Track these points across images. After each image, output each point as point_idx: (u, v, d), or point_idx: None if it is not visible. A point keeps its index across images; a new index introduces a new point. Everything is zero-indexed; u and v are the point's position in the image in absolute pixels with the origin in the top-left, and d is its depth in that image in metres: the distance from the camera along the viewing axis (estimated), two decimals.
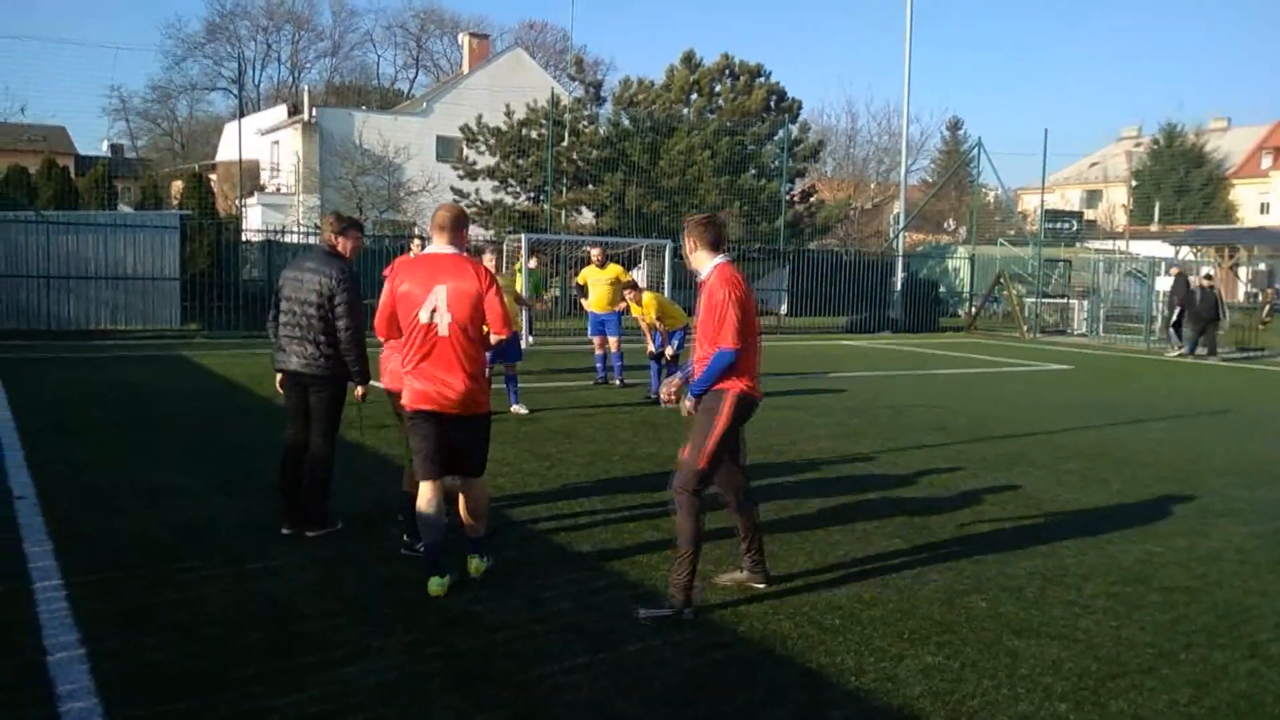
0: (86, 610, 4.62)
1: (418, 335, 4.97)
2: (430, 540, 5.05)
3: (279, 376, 6.05)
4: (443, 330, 4.93)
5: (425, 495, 5.04)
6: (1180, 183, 59.55)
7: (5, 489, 6.87)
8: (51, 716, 3.61)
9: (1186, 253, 38.58)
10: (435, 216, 5.19)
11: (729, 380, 4.88)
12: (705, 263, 5.03)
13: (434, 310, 4.92)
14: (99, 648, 4.21)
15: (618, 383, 13.40)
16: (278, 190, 41.82)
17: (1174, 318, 22.46)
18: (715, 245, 5.02)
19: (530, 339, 19.63)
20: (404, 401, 5.09)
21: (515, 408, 10.74)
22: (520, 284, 13.68)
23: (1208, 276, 22.36)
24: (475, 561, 5.29)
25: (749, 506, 5.26)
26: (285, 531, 5.95)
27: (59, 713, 3.64)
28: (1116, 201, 60.64)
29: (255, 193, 40.40)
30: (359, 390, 5.93)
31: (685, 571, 4.79)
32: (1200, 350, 21.42)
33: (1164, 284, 29.39)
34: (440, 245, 5.09)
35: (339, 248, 5.98)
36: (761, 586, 5.16)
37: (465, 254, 5.09)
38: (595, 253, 14.15)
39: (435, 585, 4.96)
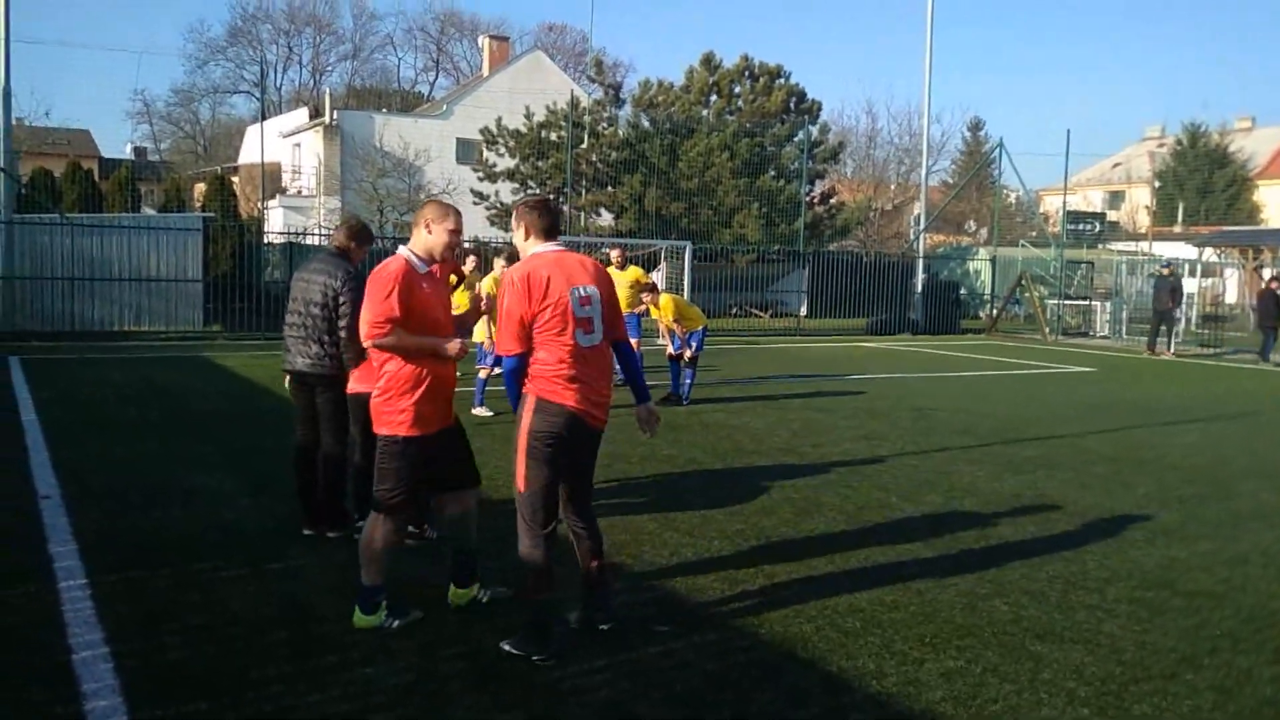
0: (110, 610, 4.65)
1: None
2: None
3: (287, 377, 6.10)
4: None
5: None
6: (1204, 184, 59.01)
7: (31, 488, 6.94)
8: (77, 715, 3.64)
9: (1211, 254, 38.25)
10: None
11: (528, 384, 4.27)
12: (526, 252, 4.46)
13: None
14: (123, 647, 4.24)
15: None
16: (299, 193, 42.07)
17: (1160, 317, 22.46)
18: (548, 233, 4.41)
19: None
20: None
21: (476, 410, 10.67)
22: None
23: (1276, 278, 22.25)
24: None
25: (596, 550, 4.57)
26: (306, 532, 5.98)
27: (84, 711, 3.67)
28: (1139, 202, 60.12)
29: (277, 195, 40.62)
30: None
31: (528, 613, 4.36)
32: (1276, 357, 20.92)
33: (1189, 286, 29.27)
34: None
35: (349, 251, 6.02)
36: (604, 627, 4.57)
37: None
38: (615, 254, 14.17)
39: (455, 595, 4.89)
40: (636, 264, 16.01)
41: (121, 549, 5.64)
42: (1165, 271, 22.81)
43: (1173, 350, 22.31)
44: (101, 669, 4.02)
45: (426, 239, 4.62)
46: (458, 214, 4.75)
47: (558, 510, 4.35)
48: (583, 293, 4.24)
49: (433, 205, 4.74)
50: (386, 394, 4.50)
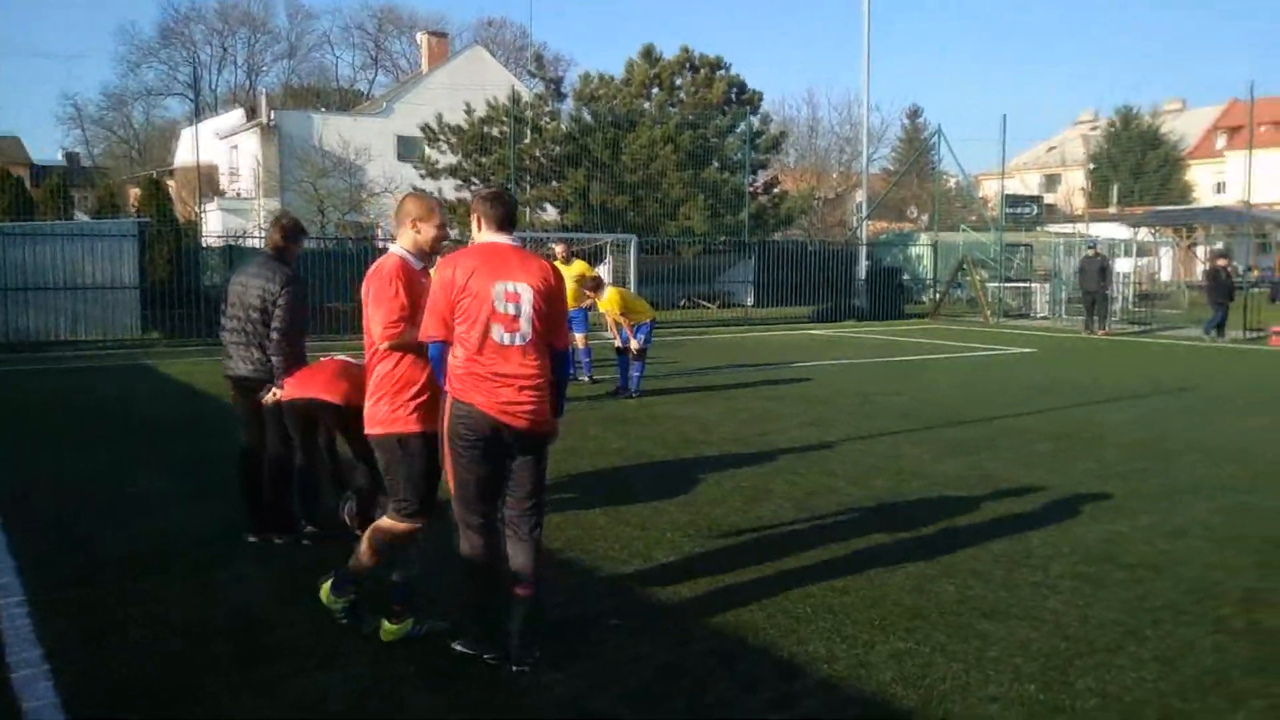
0: (50, 626, 4.55)
1: None
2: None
3: (229, 382, 6.02)
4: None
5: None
6: (1137, 165, 60.26)
7: None
8: None
9: (1145, 233, 39.05)
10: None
11: (446, 383, 4.14)
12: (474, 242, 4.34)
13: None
14: (63, 663, 4.15)
15: (585, 379, 13.40)
16: (238, 194, 41.46)
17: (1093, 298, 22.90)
18: (499, 223, 4.22)
19: None
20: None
21: None
22: None
23: (1222, 255, 22.77)
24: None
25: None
26: (251, 539, 5.90)
27: None
28: (1075, 185, 61.26)
29: (214, 197, 39.99)
30: (275, 393, 5.77)
31: (473, 612, 4.25)
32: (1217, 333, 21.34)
33: (1124, 265, 29.86)
34: None
35: (285, 251, 5.95)
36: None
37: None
38: (560, 249, 14.13)
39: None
40: (582, 258, 15.96)
41: (61, 564, 5.51)
42: (1092, 252, 23.31)
43: (1107, 329, 22.74)
44: (41, 686, 3.93)
45: (415, 237, 4.47)
46: (442, 208, 4.63)
47: (491, 508, 4.21)
48: (510, 289, 4.04)
49: (416, 202, 4.57)
50: (379, 396, 4.36)
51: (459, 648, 4.24)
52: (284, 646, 4.36)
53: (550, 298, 4.17)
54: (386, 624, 4.43)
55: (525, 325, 4.06)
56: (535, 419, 4.11)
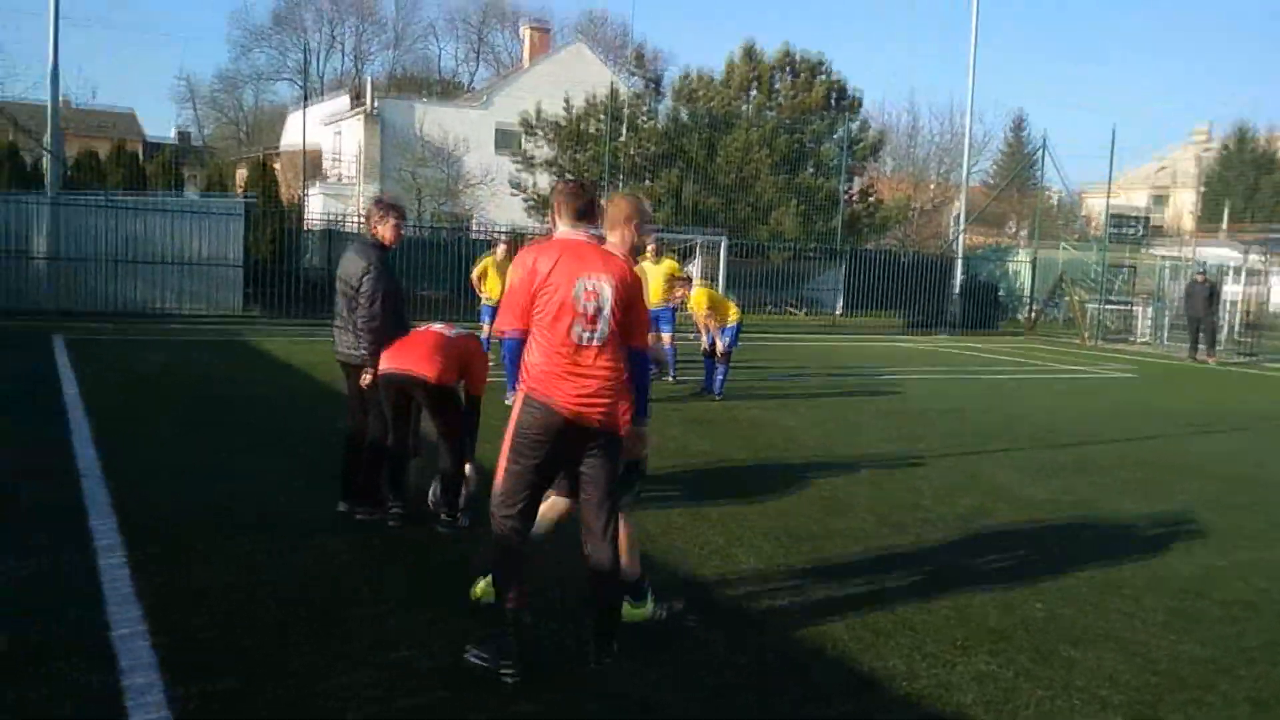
0: (148, 586, 4.72)
1: None
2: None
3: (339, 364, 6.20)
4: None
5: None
6: (1250, 187, 58.06)
7: (74, 466, 7.04)
8: (114, 689, 3.70)
9: (1256, 258, 37.61)
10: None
11: (522, 378, 4.06)
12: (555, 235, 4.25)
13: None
14: (159, 623, 4.30)
15: (669, 378, 13.40)
16: (339, 179, 42.38)
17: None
18: (578, 216, 4.15)
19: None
20: None
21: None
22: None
23: None
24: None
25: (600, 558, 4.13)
26: (341, 508, 6.06)
27: (121, 686, 3.72)
28: (1184, 205, 59.34)
29: (317, 181, 40.97)
30: (366, 375, 5.90)
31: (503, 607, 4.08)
32: None
33: (1231, 291, 28.76)
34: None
35: (377, 234, 6.06)
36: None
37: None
38: (650, 247, 14.15)
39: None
40: (671, 257, 15.95)
41: (160, 526, 5.71)
42: (1201, 277, 22.46)
43: (1214, 356, 21.92)
44: (138, 645, 4.07)
45: (630, 238, 4.35)
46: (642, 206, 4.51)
47: (532, 504, 4.10)
48: (589, 285, 3.96)
49: (632, 202, 4.45)
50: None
51: (473, 659, 4.03)
52: (370, 622, 4.45)
53: (629, 297, 4.08)
54: (629, 607, 4.48)
55: (603, 324, 3.99)
56: (609, 417, 4.02)
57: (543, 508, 4.40)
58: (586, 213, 4.15)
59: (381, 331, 5.87)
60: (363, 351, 5.89)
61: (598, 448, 4.05)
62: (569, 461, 4.09)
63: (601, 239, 4.23)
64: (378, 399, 5.99)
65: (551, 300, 3.95)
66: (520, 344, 4.08)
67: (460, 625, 4.46)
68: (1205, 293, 21.85)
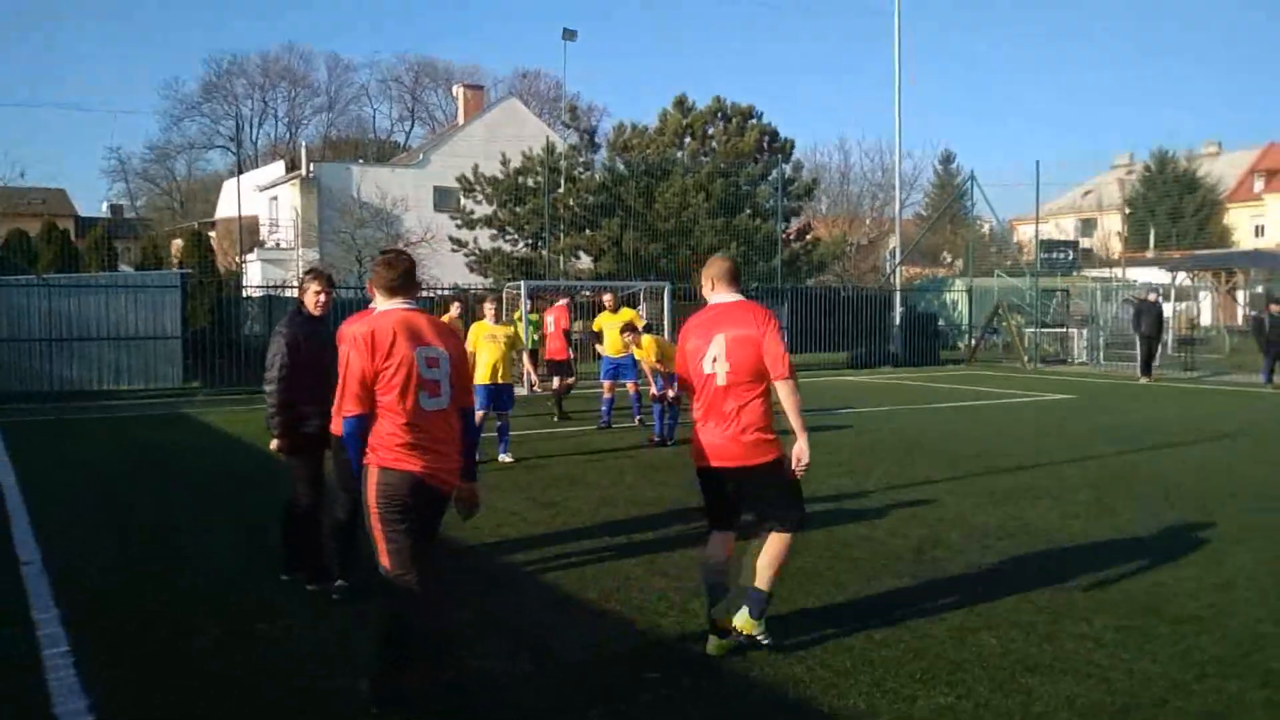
0: (95, 676, 4.60)
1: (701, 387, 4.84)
2: (713, 592, 4.83)
3: None
4: (721, 380, 4.77)
5: (710, 551, 4.94)
6: (1174, 209, 59.81)
7: (11, 555, 6.86)
8: None
9: (1183, 278, 38.68)
10: (712, 268, 5.04)
11: (369, 453, 4.13)
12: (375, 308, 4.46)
13: (714, 359, 4.78)
14: (107, 714, 4.19)
15: (637, 420, 13.61)
16: (277, 245, 42.09)
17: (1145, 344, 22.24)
18: (394, 289, 4.28)
19: (537, 388, 19.66)
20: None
21: (502, 456, 10.69)
22: (520, 331, 13.89)
23: (1276, 300, 22.07)
24: (746, 616, 4.83)
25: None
26: (284, 577, 6.00)
27: None
28: (1111, 229, 60.91)
29: (255, 249, 40.63)
30: (272, 443, 5.93)
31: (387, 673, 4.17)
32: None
33: (1164, 309, 29.48)
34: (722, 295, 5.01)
35: (304, 303, 6.07)
36: None
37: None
38: (608, 299, 14.38)
39: (712, 645, 4.82)
40: (627, 305, 16.15)
41: (105, 614, 5.58)
42: (1153, 297, 22.83)
43: (1152, 375, 22.33)
44: None
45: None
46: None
47: (425, 568, 4.15)
48: (430, 354, 4.08)
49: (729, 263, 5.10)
50: (769, 424, 4.85)
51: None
52: (328, 699, 4.38)
53: (460, 360, 4.26)
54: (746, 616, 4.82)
55: (445, 390, 4.13)
56: (455, 480, 4.23)
57: (710, 554, 4.87)
58: (403, 285, 4.26)
59: (279, 399, 5.81)
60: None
61: (442, 506, 4.26)
62: (426, 523, 4.17)
63: (415, 306, 4.30)
64: (301, 465, 5.95)
65: (397, 375, 4.01)
66: (362, 427, 4.10)
67: (419, 697, 4.40)
68: (1156, 312, 22.13)
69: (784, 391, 4.77)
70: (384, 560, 4.06)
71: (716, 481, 4.86)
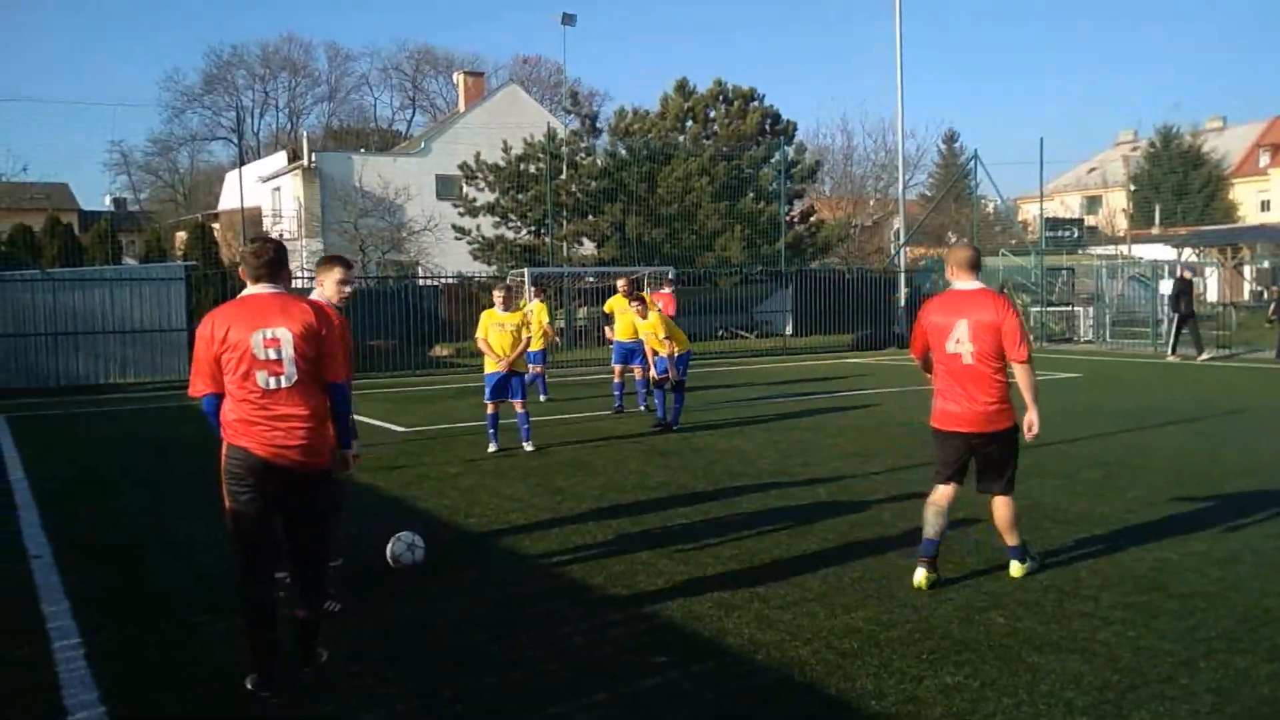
0: (105, 668, 4.63)
1: (946, 364, 5.63)
2: (929, 539, 5.63)
3: None
4: (966, 359, 5.54)
5: (937, 497, 5.74)
6: (1179, 185, 59.54)
7: (21, 548, 6.89)
8: None
9: (1189, 254, 38.55)
10: (955, 256, 5.82)
11: (221, 430, 4.37)
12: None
13: (958, 341, 5.54)
14: (119, 706, 4.22)
15: (643, 408, 13.58)
16: (280, 236, 42.05)
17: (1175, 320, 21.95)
18: (257, 277, 4.41)
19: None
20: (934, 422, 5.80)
21: (525, 445, 10.68)
22: (543, 317, 13.89)
23: None
24: (1017, 565, 5.77)
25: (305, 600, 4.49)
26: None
27: None
28: (1116, 206, 60.67)
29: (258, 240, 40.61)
30: None
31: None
32: None
33: (1167, 287, 29.38)
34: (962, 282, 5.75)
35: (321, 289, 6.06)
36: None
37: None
38: (622, 284, 14.32)
39: (921, 578, 5.57)
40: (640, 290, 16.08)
41: (114, 606, 5.61)
42: (1188, 275, 22.59)
43: (1177, 353, 21.73)
44: None
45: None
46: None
47: (269, 555, 4.38)
48: (269, 335, 4.23)
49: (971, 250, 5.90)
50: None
51: (249, 685, 4.31)
52: (330, 686, 4.40)
53: (314, 338, 4.31)
54: (1016, 564, 5.74)
55: (289, 369, 4.25)
56: (307, 456, 4.30)
57: (937, 500, 5.70)
58: (268, 272, 4.40)
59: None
60: None
61: (301, 487, 4.33)
62: (276, 501, 4.31)
63: (286, 292, 4.41)
64: None
65: (233, 357, 4.22)
66: (213, 400, 4.34)
67: (422, 683, 4.42)
68: (1190, 289, 21.74)
69: (1021, 371, 5.63)
70: (227, 524, 4.35)
71: (956, 443, 5.70)
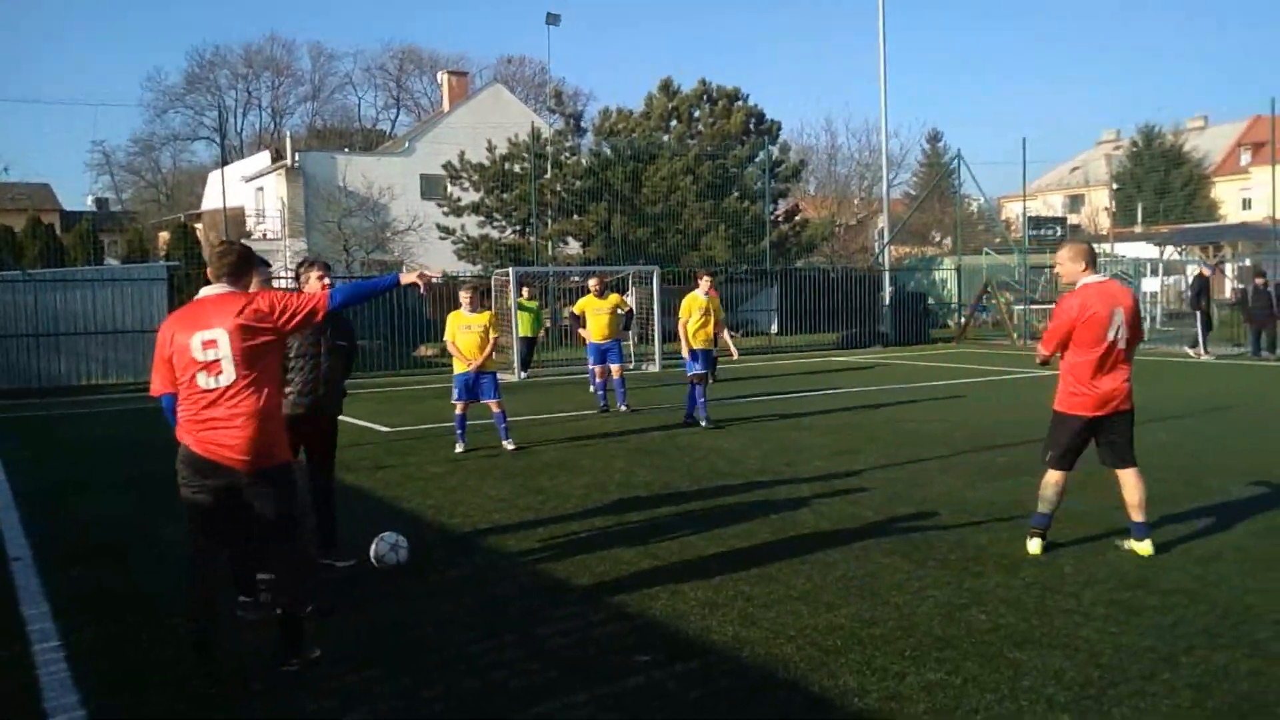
0: (86, 670, 4.60)
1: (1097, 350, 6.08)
2: (1045, 514, 6.25)
3: None
4: (1120, 344, 6.07)
5: (1054, 480, 6.25)
6: (1161, 183, 59.86)
7: (1, 551, 6.84)
8: None
9: (1171, 252, 38.77)
10: (1080, 252, 6.33)
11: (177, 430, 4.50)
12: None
13: (1117, 328, 6.04)
14: (100, 708, 4.19)
15: (623, 408, 13.48)
16: (264, 236, 41.87)
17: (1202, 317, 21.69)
18: (218, 276, 4.52)
19: (524, 373, 19.66)
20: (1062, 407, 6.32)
21: (505, 444, 10.64)
22: (525, 318, 13.91)
23: (1260, 274, 22.09)
24: (1148, 544, 6.11)
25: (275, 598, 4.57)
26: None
27: None
28: (1099, 205, 60.96)
29: (241, 239, 40.43)
30: None
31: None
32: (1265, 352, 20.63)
33: (1151, 285, 29.58)
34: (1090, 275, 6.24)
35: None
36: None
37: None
38: (593, 283, 14.27)
39: (1037, 547, 6.19)
40: (612, 290, 16.02)
41: (96, 608, 5.57)
42: (1205, 272, 22.56)
43: (1209, 351, 21.47)
44: None
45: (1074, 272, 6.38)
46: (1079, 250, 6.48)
47: (213, 550, 4.53)
48: (206, 336, 4.30)
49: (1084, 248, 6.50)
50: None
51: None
52: (312, 686, 4.38)
53: (253, 333, 4.33)
54: (1137, 545, 6.13)
55: (228, 368, 4.29)
56: (252, 454, 4.32)
57: (1053, 482, 6.25)
58: (228, 274, 4.49)
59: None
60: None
61: (249, 486, 4.36)
62: (227, 497, 4.36)
63: (228, 293, 4.44)
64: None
65: (179, 360, 4.36)
66: (170, 400, 4.49)
67: (405, 682, 4.40)
68: (1207, 287, 21.46)
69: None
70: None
71: (1085, 429, 6.19)
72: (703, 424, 11.90)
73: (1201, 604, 5.23)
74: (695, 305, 12.23)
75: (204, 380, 4.30)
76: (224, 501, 4.37)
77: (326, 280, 6.04)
